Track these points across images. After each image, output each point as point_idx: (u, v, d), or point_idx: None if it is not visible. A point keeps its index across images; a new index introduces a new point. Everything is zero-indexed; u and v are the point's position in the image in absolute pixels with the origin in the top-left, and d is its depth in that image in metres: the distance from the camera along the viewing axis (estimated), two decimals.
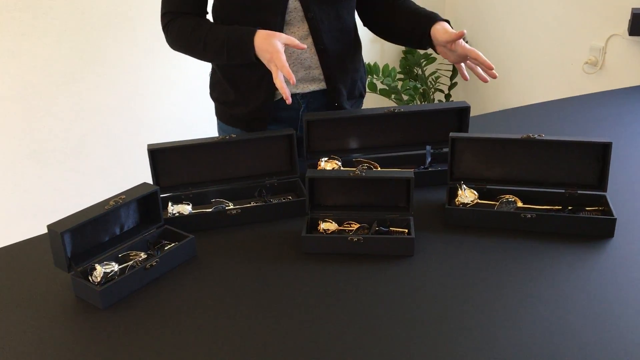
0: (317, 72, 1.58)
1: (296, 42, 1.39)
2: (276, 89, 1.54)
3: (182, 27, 1.51)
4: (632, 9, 2.41)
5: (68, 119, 2.60)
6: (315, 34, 1.53)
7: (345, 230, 1.34)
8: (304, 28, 1.52)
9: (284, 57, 1.36)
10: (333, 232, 1.34)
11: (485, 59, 1.46)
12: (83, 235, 1.20)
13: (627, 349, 0.99)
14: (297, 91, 1.59)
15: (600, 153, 1.36)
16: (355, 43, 1.66)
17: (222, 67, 1.61)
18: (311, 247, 1.29)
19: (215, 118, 1.73)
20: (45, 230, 1.17)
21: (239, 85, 1.59)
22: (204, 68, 1.77)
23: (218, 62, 1.60)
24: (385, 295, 1.15)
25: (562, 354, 0.99)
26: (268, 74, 1.48)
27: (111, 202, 1.21)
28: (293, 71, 1.54)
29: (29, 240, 1.37)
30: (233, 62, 1.51)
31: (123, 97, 2.73)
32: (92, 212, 1.18)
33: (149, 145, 1.40)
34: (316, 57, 1.56)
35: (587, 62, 2.78)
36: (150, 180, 1.40)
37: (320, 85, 1.61)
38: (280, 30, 1.49)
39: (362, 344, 1.03)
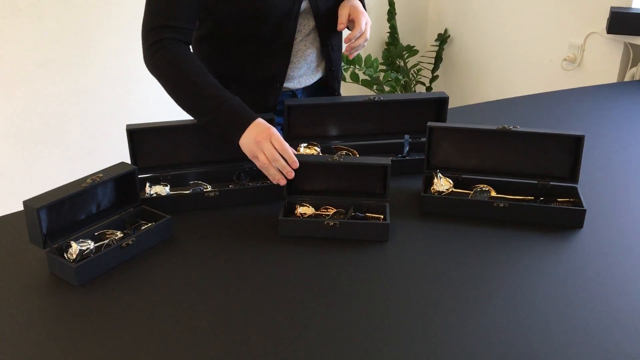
0: (316, 64, 1.62)
1: (290, 153, 1.32)
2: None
3: (175, 61, 1.35)
4: (611, 7, 2.45)
5: (47, 98, 2.58)
6: (321, 29, 1.55)
7: (321, 214, 1.36)
8: (310, 25, 1.54)
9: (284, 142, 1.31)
10: (310, 216, 1.35)
11: (352, 36, 1.49)
12: (59, 212, 1.20)
13: (592, 334, 1.03)
14: (299, 86, 1.62)
15: (573, 146, 1.39)
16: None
17: (224, 65, 1.53)
18: (288, 231, 1.30)
19: None
20: (22, 208, 1.17)
21: (242, 86, 1.53)
22: None
23: (195, 119, 1.40)
24: (359, 280, 1.17)
25: (531, 339, 1.01)
26: (278, 77, 1.52)
27: (88, 180, 1.21)
28: (296, 67, 1.57)
29: (4, 216, 1.36)
30: (212, 131, 1.39)
31: (104, 77, 2.71)
32: (69, 190, 1.18)
33: (127, 126, 1.39)
34: (319, 51, 1.59)
35: (565, 59, 2.82)
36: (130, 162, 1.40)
37: (319, 75, 1.65)
38: (292, 32, 1.49)
39: (335, 326, 1.04)
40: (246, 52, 1.51)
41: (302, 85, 1.62)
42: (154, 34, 1.35)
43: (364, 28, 1.50)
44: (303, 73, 1.60)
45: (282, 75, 1.54)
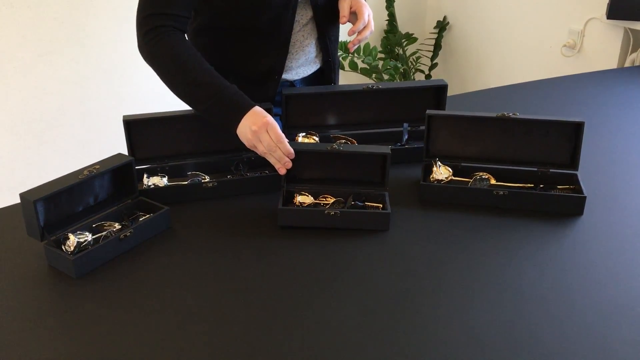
0: (314, 55, 1.60)
1: (286, 146, 1.30)
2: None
3: (170, 49, 1.32)
4: None
5: (43, 90, 2.56)
6: (318, 19, 1.53)
7: (320, 203, 1.35)
8: (307, 15, 1.52)
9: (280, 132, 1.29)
10: (309, 205, 1.34)
11: (356, 28, 1.48)
12: (56, 205, 1.19)
13: (592, 321, 1.02)
14: (297, 77, 1.60)
15: (573, 132, 1.38)
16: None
17: (222, 57, 1.49)
18: (287, 220, 1.29)
19: None
20: (19, 200, 1.16)
21: (241, 78, 1.50)
22: None
23: (191, 107, 1.38)
24: (360, 269, 1.16)
25: (532, 325, 1.01)
26: (276, 68, 1.51)
27: (85, 172, 1.20)
28: (294, 58, 1.55)
29: (1, 209, 1.35)
30: (209, 119, 1.37)
31: (101, 68, 2.69)
32: (66, 181, 1.17)
33: (124, 116, 1.38)
34: (317, 42, 1.58)
35: (565, 45, 2.80)
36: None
37: (316, 66, 1.63)
38: (291, 23, 1.47)
39: (337, 316, 1.04)
40: (244, 44, 1.49)
41: (300, 76, 1.61)
42: (149, 21, 1.32)
43: (367, 19, 1.48)
44: (301, 64, 1.59)
45: (281, 67, 1.53)
